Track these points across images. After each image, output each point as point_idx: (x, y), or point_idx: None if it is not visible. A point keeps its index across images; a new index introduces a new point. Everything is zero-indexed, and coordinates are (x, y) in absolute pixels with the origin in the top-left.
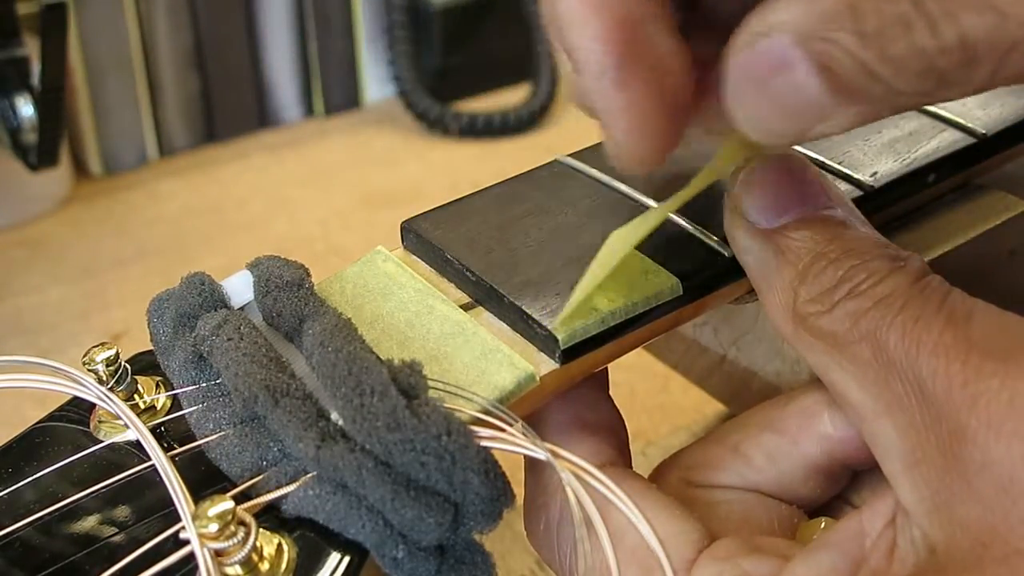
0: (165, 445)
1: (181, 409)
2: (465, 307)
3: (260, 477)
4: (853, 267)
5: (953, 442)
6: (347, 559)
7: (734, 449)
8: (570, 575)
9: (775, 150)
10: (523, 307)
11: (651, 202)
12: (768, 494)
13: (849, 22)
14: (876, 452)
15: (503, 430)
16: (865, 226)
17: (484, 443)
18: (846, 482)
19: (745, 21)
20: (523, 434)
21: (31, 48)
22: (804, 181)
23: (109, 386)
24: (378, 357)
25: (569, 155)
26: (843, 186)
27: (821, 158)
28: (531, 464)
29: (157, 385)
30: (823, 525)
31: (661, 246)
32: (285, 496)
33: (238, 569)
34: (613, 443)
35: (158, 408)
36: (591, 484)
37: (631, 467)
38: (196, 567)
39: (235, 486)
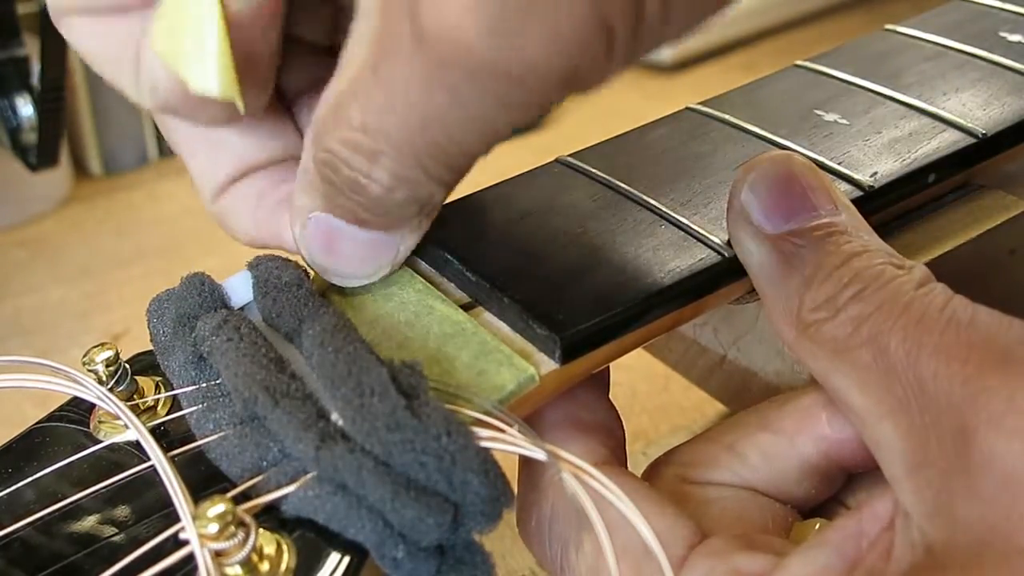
0: (165, 445)
1: (181, 409)
2: (465, 307)
3: (260, 477)
4: (857, 274)
5: (954, 442)
6: (347, 559)
7: (729, 447)
8: (560, 571)
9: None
10: (523, 307)
11: (653, 200)
12: (763, 493)
13: (335, 191)
14: (878, 456)
15: (502, 431)
16: (870, 234)
17: (484, 443)
18: (841, 484)
19: (290, 219)
20: (522, 434)
21: (31, 48)
22: (811, 187)
23: (109, 386)
24: (378, 357)
25: (570, 155)
26: (843, 186)
27: (821, 158)
28: (525, 462)
29: (157, 385)
30: (817, 526)
31: (662, 246)
32: (285, 496)
33: (238, 569)
34: (608, 443)
35: (158, 408)
36: (587, 483)
37: (626, 467)
38: (196, 567)
39: (235, 486)
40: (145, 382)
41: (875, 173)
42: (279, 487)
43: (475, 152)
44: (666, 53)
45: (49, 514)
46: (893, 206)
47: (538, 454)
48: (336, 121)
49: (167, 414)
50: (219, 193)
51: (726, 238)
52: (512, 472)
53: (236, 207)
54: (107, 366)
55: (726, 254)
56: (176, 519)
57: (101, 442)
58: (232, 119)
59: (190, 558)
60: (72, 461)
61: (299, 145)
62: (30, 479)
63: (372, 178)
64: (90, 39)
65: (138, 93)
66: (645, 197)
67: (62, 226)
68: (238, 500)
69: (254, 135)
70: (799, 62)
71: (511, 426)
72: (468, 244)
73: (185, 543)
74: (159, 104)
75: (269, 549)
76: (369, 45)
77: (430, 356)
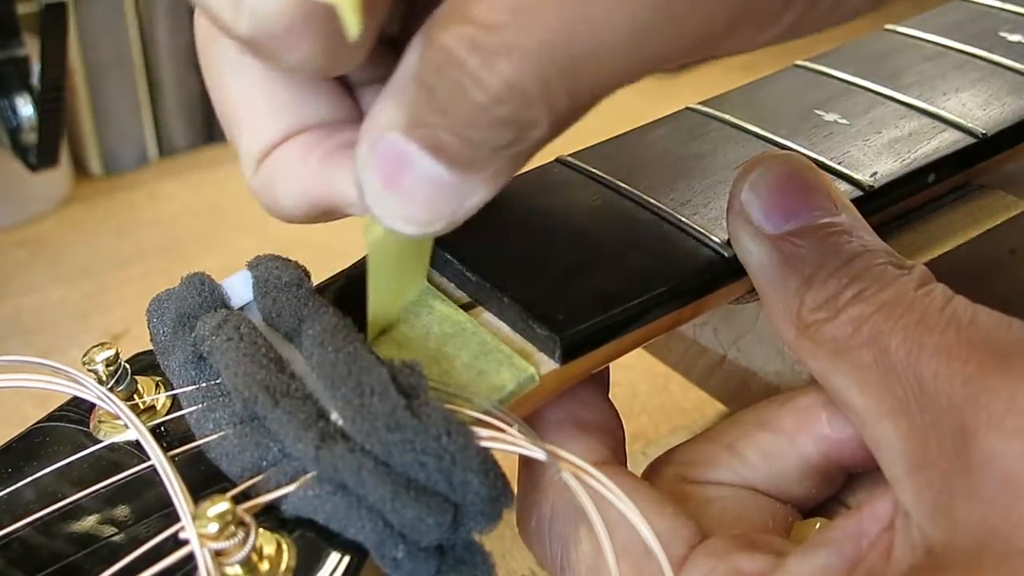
0: (165, 445)
1: (181, 409)
2: (465, 307)
3: (260, 477)
4: (857, 274)
5: (954, 442)
6: (347, 559)
7: (729, 447)
8: (560, 571)
9: (429, 237)
10: (523, 307)
11: (653, 200)
12: (762, 492)
13: (428, 101)
14: (878, 456)
15: (502, 430)
16: (870, 234)
17: (484, 443)
18: (841, 483)
19: (360, 135)
20: (522, 434)
21: (31, 48)
22: (811, 187)
23: (109, 386)
24: (378, 357)
25: (570, 155)
26: (843, 186)
27: (821, 158)
28: (525, 461)
29: (157, 385)
30: (817, 526)
31: (662, 246)
32: (285, 496)
33: (238, 569)
34: (607, 442)
35: (158, 408)
36: (587, 482)
37: (626, 467)
38: (196, 567)
39: (235, 486)
40: (145, 382)
41: (875, 173)
42: (279, 487)
43: (606, 84)
44: None
45: (49, 514)
46: (893, 206)
47: (538, 454)
48: (460, 15)
49: (167, 414)
50: (263, 157)
51: (726, 238)
52: (512, 472)
53: (281, 169)
54: (107, 366)
55: (726, 254)
56: (176, 519)
57: (101, 442)
58: (319, 67)
59: (190, 558)
60: (72, 461)
61: (354, 116)
62: (30, 479)
63: (482, 83)
64: None
65: (233, 14)
66: (645, 197)
67: (62, 226)
68: (238, 500)
69: (314, 96)
70: (799, 62)
71: (511, 426)
72: (468, 244)
73: (185, 543)
74: (255, 30)
75: (269, 549)
76: None
77: (430, 356)
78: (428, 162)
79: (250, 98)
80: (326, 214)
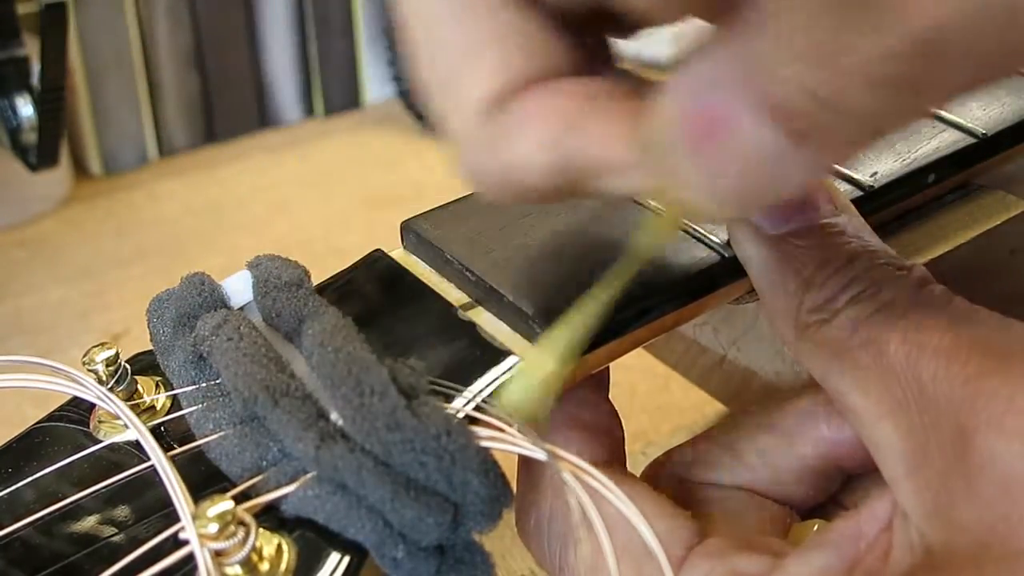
0: (165, 445)
1: (181, 409)
2: (465, 307)
3: (260, 477)
4: (856, 275)
5: (953, 443)
6: (347, 559)
7: (728, 448)
8: (559, 571)
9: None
10: (523, 307)
11: (653, 203)
12: (761, 493)
13: (784, 48)
14: (877, 457)
15: (502, 430)
16: (871, 235)
17: (484, 443)
18: (839, 485)
19: (668, 83)
20: (522, 434)
21: (31, 48)
22: (811, 188)
23: (109, 386)
24: (378, 357)
25: None
26: (843, 186)
27: None
28: (524, 461)
29: (157, 385)
30: (816, 528)
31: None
32: (285, 496)
33: (238, 569)
34: (606, 443)
35: (158, 408)
36: (587, 482)
37: (625, 467)
38: (196, 567)
39: (235, 486)
40: (145, 382)
41: (875, 173)
42: (279, 487)
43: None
44: (665, 52)
45: (49, 514)
46: (893, 206)
47: (538, 454)
48: None
49: (167, 414)
50: (495, 104)
51: (726, 238)
52: (512, 472)
53: (528, 117)
54: (107, 366)
55: (726, 254)
56: (176, 519)
57: (101, 442)
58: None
59: (190, 558)
60: (72, 461)
61: (589, 70)
62: (30, 479)
63: (897, 24)
64: None
65: None
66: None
67: (62, 226)
68: (238, 500)
69: (560, 39)
70: None
71: (511, 426)
72: (468, 244)
73: (185, 543)
74: None
75: (269, 549)
76: None
77: None
78: (760, 127)
79: (480, 35)
80: (570, 181)
